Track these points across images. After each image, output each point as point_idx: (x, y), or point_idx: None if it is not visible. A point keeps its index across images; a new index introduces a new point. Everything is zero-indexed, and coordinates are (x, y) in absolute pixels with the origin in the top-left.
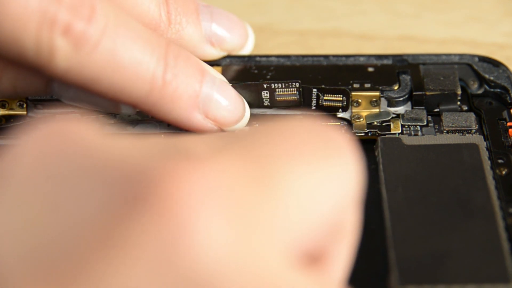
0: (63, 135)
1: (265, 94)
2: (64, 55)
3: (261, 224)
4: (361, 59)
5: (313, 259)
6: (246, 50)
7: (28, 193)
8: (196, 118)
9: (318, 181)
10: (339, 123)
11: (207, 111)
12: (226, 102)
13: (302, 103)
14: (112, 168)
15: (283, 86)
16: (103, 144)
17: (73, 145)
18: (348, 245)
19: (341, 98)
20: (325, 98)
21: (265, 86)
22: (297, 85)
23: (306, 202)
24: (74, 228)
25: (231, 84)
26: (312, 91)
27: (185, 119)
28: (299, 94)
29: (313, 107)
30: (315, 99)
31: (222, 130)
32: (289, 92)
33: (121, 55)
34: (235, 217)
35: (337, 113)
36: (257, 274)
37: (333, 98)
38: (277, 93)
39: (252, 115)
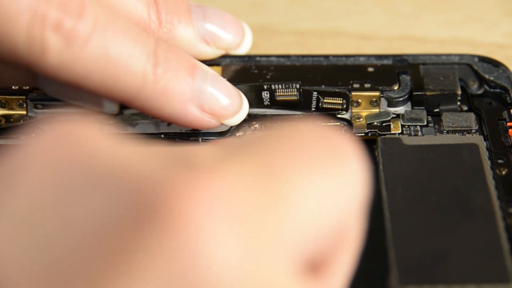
0: (70, 140)
1: (265, 95)
2: (55, 51)
3: (268, 234)
4: (361, 59)
5: (315, 266)
6: (244, 48)
7: (37, 203)
8: (192, 112)
9: (325, 188)
10: (339, 123)
11: (203, 104)
12: (221, 94)
13: (302, 103)
14: (121, 179)
15: (283, 87)
16: (111, 151)
17: (81, 151)
18: (350, 253)
19: (341, 101)
20: (325, 101)
21: (265, 87)
22: (297, 86)
23: (312, 210)
24: (84, 241)
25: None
26: (313, 93)
27: (181, 114)
28: (299, 95)
29: (313, 109)
30: (315, 101)
31: (221, 124)
32: (289, 93)
33: (112, 50)
34: (243, 229)
35: (337, 113)
36: (263, 285)
37: (333, 101)
38: (277, 93)
39: (252, 115)
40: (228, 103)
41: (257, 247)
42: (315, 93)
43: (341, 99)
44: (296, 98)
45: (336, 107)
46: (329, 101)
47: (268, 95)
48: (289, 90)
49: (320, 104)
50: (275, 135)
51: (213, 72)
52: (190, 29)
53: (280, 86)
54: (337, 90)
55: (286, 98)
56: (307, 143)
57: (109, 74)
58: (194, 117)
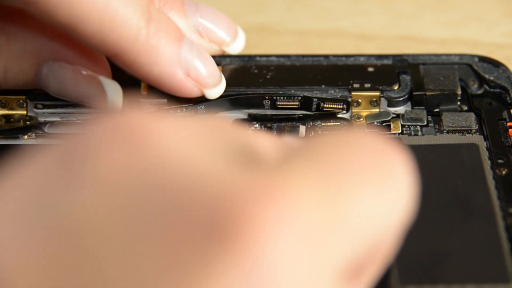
0: (130, 127)
1: (266, 102)
2: None
3: (327, 247)
4: (361, 59)
5: (350, 275)
6: (237, 47)
7: (105, 203)
8: (179, 75)
9: (377, 203)
10: (339, 123)
11: (189, 70)
12: (204, 64)
13: (303, 107)
14: (189, 185)
15: (285, 99)
16: (175, 145)
17: (143, 141)
18: (379, 266)
19: (341, 106)
20: (325, 106)
21: (267, 97)
22: (299, 98)
23: (364, 224)
24: (149, 255)
25: (231, 92)
26: (313, 100)
27: (168, 75)
28: (300, 104)
29: (313, 110)
30: (315, 106)
31: (202, 92)
32: (290, 103)
33: None
34: (308, 244)
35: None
36: None
37: (333, 106)
38: (278, 102)
39: (252, 115)
40: (211, 72)
41: (318, 260)
42: (315, 99)
43: (342, 104)
44: (297, 106)
45: (337, 111)
46: (329, 106)
47: (269, 103)
48: (290, 99)
49: (320, 108)
50: (335, 144)
51: (198, 43)
52: (183, 18)
53: (281, 98)
54: (338, 97)
55: (286, 106)
56: (365, 155)
57: (106, 20)
58: (179, 81)
